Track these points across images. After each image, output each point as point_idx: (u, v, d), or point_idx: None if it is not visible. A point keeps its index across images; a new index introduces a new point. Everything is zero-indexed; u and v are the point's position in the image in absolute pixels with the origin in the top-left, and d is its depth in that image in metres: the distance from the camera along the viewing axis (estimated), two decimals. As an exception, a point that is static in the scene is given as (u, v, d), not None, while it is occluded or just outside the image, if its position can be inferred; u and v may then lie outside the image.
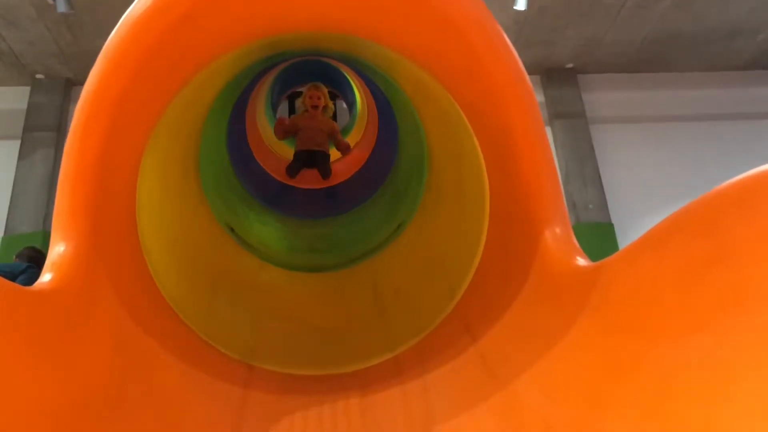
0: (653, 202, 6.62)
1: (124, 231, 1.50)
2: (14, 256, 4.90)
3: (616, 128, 7.17)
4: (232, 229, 2.44)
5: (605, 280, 1.16)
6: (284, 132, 3.41)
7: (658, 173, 6.90)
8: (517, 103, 1.32)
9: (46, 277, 1.18)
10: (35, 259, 4.67)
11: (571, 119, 6.95)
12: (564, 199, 1.39)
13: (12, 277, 4.48)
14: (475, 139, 1.59)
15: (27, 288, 1.11)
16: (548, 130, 6.99)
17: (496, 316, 1.49)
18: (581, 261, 1.29)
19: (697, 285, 0.91)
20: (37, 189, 7.19)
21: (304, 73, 5.52)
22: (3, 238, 7.01)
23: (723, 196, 0.91)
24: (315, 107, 3.49)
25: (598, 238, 6.38)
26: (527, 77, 1.32)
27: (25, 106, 7.59)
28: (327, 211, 3.28)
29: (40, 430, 1.00)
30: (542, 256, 1.37)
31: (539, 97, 7.18)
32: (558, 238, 1.34)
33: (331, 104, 3.68)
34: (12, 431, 0.93)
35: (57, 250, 1.22)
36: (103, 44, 1.23)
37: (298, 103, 3.87)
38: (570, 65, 7.19)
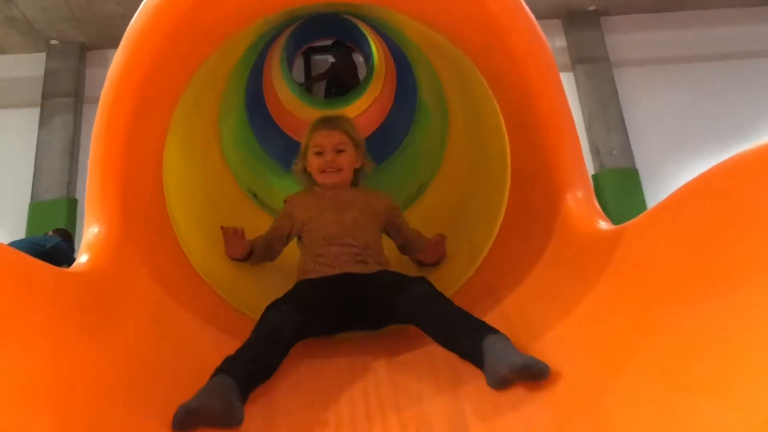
0: (679, 145, 6.52)
1: (154, 207, 1.55)
2: (51, 231, 5.23)
3: (641, 71, 6.99)
4: (255, 195, 2.47)
5: (626, 244, 1.18)
6: (242, 247, 1.93)
7: (685, 115, 6.74)
8: (537, 68, 1.32)
9: (83, 258, 1.23)
10: (64, 235, 5.06)
11: (593, 63, 6.80)
12: (585, 164, 1.39)
13: (41, 248, 4.74)
14: (495, 102, 1.59)
15: (67, 270, 1.17)
16: (570, 76, 6.84)
17: (519, 278, 1.52)
18: (603, 224, 1.31)
19: (714, 250, 0.93)
20: (59, 155, 7.27)
21: (319, 26, 5.46)
22: (30, 206, 7.15)
23: (742, 162, 0.92)
24: (332, 165, 1.95)
25: (623, 184, 6.32)
26: (547, 42, 1.31)
27: (41, 72, 7.62)
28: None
29: (89, 399, 1.06)
30: (564, 219, 1.39)
31: (560, 42, 7.02)
32: (579, 202, 1.35)
33: (362, 142, 2.04)
34: (64, 401, 0.99)
35: (91, 231, 1.27)
36: (114, 8, 1.24)
37: (298, 162, 2.05)
38: (592, 7, 7.00)
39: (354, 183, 2.07)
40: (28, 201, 7.28)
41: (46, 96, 7.39)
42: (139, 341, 1.28)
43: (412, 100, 3.04)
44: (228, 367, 1.29)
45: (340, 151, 1.97)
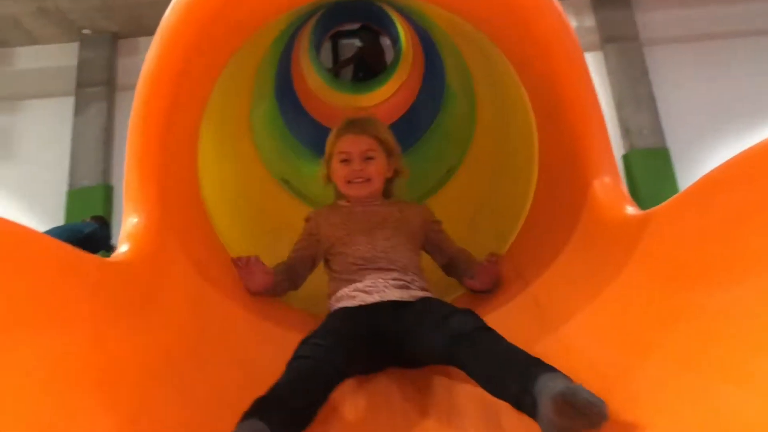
0: (712, 124, 6.38)
1: (190, 197, 1.59)
2: (89, 218, 5.43)
3: (672, 49, 6.83)
4: (287, 182, 2.52)
5: (653, 229, 1.19)
6: (263, 278, 1.65)
7: (718, 93, 6.58)
8: (564, 55, 1.33)
9: (123, 247, 1.28)
10: (100, 222, 5.22)
11: (623, 42, 6.66)
12: (612, 150, 1.40)
13: (79, 234, 4.94)
14: (522, 89, 1.60)
15: (109, 260, 1.22)
16: (599, 55, 6.71)
17: (547, 262, 1.54)
18: (630, 210, 1.31)
19: (740, 236, 0.94)
20: (95, 143, 7.42)
21: (347, 10, 5.46)
22: (68, 193, 7.32)
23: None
24: (360, 176, 1.76)
25: (654, 164, 6.21)
26: (572, 28, 1.32)
27: (75, 62, 7.76)
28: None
29: (134, 384, 1.11)
30: (591, 204, 1.40)
31: (589, 21, 6.88)
32: (607, 188, 1.36)
33: (395, 148, 1.83)
34: (112, 387, 1.04)
35: (130, 221, 1.32)
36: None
37: (321, 170, 1.86)
38: (622, -16, 6.86)
39: (386, 194, 1.85)
40: (65, 188, 7.46)
41: (80, 85, 7.54)
42: (181, 328, 1.33)
43: (440, 83, 3.04)
44: (261, 411, 1.12)
45: (368, 159, 1.75)
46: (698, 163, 6.00)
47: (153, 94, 1.30)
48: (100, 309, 1.11)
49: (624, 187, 1.39)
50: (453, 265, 1.81)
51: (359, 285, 1.60)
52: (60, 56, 7.85)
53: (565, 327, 1.33)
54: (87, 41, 7.55)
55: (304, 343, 1.34)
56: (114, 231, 6.04)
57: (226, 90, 1.81)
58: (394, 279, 1.60)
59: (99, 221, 5.46)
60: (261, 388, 1.32)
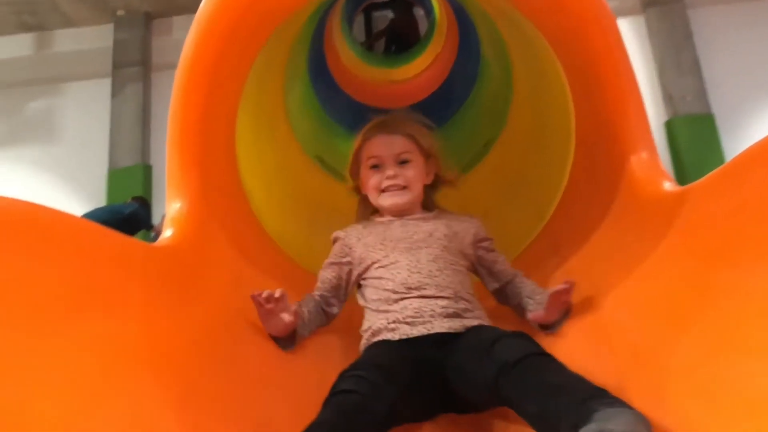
0: (759, 89, 6.16)
1: (229, 180, 1.63)
2: (130, 199, 5.60)
3: (718, 11, 6.57)
4: (322, 160, 2.54)
5: (690, 206, 1.18)
6: (284, 326, 1.37)
7: (765, 57, 6.33)
8: (599, 31, 1.32)
9: (167, 232, 1.33)
10: (141, 201, 5.35)
11: (666, 5, 6.45)
12: (649, 125, 1.39)
13: (121, 215, 5.11)
14: (558, 63, 1.58)
15: (154, 245, 1.27)
16: (641, 19, 6.52)
17: (584, 238, 1.54)
18: (667, 185, 1.31)
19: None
20: (132, 123, 7.56)
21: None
22: (108, 173, 7.50)
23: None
24: (395, 183, 1.54)
25: (698, 131, 6.05)
26: (607, 3, 1.30)
27: (110, 43, 7.88)
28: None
29: (182, 362, 1.16)
30: (628, 180, 1.40)
31: (631, -17, 6.67)
32: (644, 164, 1.36)
33: (433, 148, 1.60)
34: (162, 364, 1.09)
35: (174, 207, 1.37)
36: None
37: (348, 180, 1.70)
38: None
39: (427, 205, 1.62)
40: (106, 168, 7.64)
41: (116, 66, 7.66)
42: (223, 306, 1.38)
43: (476, 55, 3.01)
44: None
45: (403, 162, 1.53)
46: (745, 129, 5.83)
47: (191, 84, 1.33)
48: (149, 292, 1.16)
49: (661, 162, 1.37)
50: (508, 291, 1.54)
51: (400, 316, 1.38)
52: (95, 38, 7.98)
53: (603, 303, 1.33)
54: (121, 22, 7.66)
55: (344, 376, 1.17)
56: (154, 210, 6.20)
57: (261, 74, 1.83)
58: (443, 307, 1.38)
59: (139, 201, 5.62)
60: (297, 362, 1.37)
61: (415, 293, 1.40)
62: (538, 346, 1.16)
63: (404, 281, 1.42)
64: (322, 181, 2.42)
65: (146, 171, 7.29)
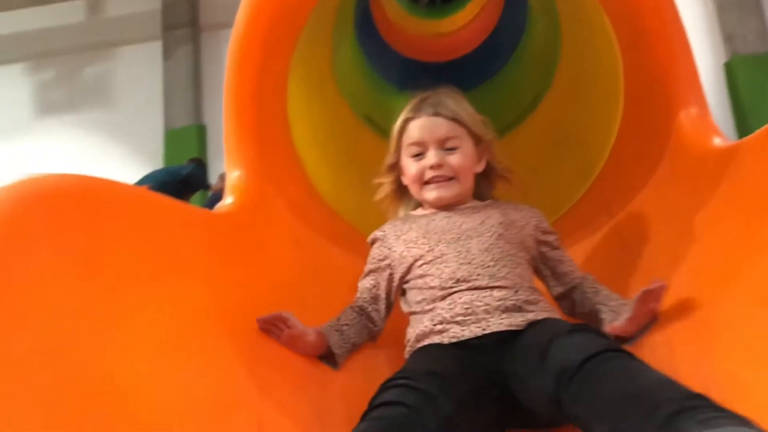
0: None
1: (283, 145, 1.70)
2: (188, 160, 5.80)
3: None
4: (371, 120, 2.58)
5: (740, 162, 1.19)
6: (309, 344, 1.24)
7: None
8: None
9: (228, 200, 1.41)
10: (198, 162, 5.57)
11: (725, -63, 6.13)
12: (700, 79, 1.37)
13: (178, 176, 5.31)
14: (605, 16, 1.57)
15: (217, 212, 1.35)
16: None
17: (633, 195, 1.55)
18: (717, 141, 1.30)
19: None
20: (185, 84, 7.72)
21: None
22: (165, 134, 7.72)
23: None
24: (441, 173, 1.36)
25: (758, 71, 5.81)
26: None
27: (159, 6, 8.00)
28: (460, 84, 3.29)
29: (247, 323, 1.24)
30: (678, 136, 1.39)
31: None
32: (693, 119, 1.35)
33: (484, 131, 1.42)
34: (229, 325, 1.18)
35: (233, 175, 1.44)
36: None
37: (385, 175, 1.51)
38: None
39: (479, 195, 1.45)
40: (162, 129, 7.85)
41: (166, 28, 7.79)
42: (283, 268, 1.46)
43: (523, 7, 2.95)
44: None
45: (450, 150, 1.35)
46: (808, 68, 5.57)
47: (244, 56, 1.39)
48: (216, 257, 1.25)
49: (711, 117, 1.36)
50: (576, 297, 1.33)
51: (447, 315, 1.19)
52: (145, 1, 8.10)
53: (648, 259, 1.36)
54: (169, -16, 7.75)
55: (387, 386, 1.01)
56: (210, 170, 6.38)
57: (308, 37, 1.86)
58: (499, 300, 1.19)
59: (196, 162, 5.80)
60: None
61: (464, 285, 1.21)
62: (604, 340, 0.99)
63: (452, 275, 1.23)
64: (372, 142, 2.45)
65: (200, 131, 7.47)
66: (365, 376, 1.23)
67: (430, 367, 1.07)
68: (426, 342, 1.20)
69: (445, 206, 1.38)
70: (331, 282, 1.57)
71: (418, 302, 1.28)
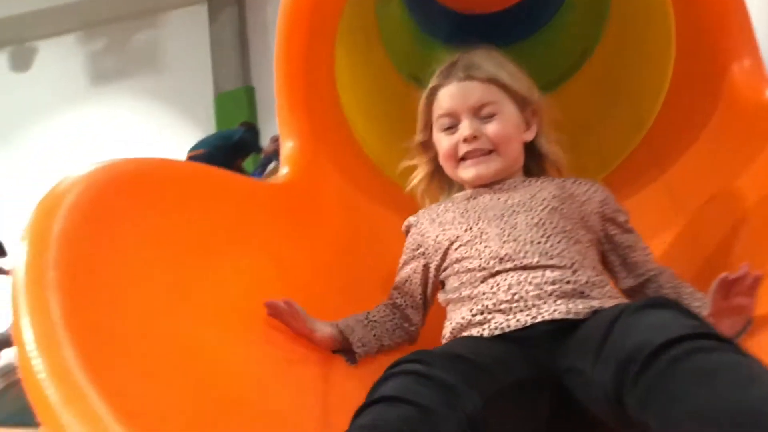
0: None
1: (333, 112, 1.74)
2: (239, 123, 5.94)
3: None
4: (418, 80, 2.58)
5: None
6: (320, 336, 1.10)
7: None
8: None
9: (284, 170, 1.47)
10: (249, 126, 5.72)
11: None
12: (753, 31, 1.35)
13: (230, 140, 5.45)
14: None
15: (274, 183, 1.42)
16: None
17: (684, 149, 1.54)
18: (770, 93, 1.29)
19: None
20: (232, 47, 7.80)
21: None
22: (215, 97, 7.85)
23: None
24: (477, 147, 1.17)
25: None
26: None
27: (203, -32, 8.04)
28: (507, 38, 3.24)
29: (306, 286, 1.31)
30: (730, 88, 1.38)
31: None
32: (746, 71, 1.34)
33: (529, 92, 1.23)
34: (290, 288, 1.25)
35: (287, 146, 1.50)
36: None
37: (417, 148, 1.36)
38: None
39: (530, 170, 1.25)
40: (211, 93, 7.98)
41: (210, -9, 7.84)
42: (338, 233, 1.52)
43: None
44: None
45: (487, 118, 1.15)
46: None
47: (293, 25, 1.44)
48: (275, 227, 1.32)
49: (765, 69, 1.34)
50: (650, 293, 1.12)
51: (489, 302, 1.00)
52: (189, -36, 8.15)
53: (698, 213, 1.37)
54: (213, -54, 7.77)
55: (391, 374, 0.78)
56: (260, 132, 6.48)
57: (355, 5, 1.89)
58: (554, 282, 0.99)
59: (247, 126, 5.92)
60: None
61: (509, 264, 1.02)
62: (693, 321, 0.74)
63: (495, 254, 1.05)
64: (418, 102, 2.47)
65: (249, 93, 7.58)
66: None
67: (457, 350, 0.87)
68: (466, 333, 1.01)
69: (487, 185, 1.19)
70: (385, 242, 1.63)
71: (456, 288, 1.09)
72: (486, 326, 0.99)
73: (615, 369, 0.73)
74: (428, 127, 1.27)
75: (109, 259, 0.85)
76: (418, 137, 1.32)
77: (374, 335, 1.15)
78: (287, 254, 1.31)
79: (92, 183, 0.90)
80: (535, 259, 1.03)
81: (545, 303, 0.97)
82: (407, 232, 1.30)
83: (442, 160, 1.24)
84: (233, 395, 0.87)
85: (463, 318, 1.03)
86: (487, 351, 0.89)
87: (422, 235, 1.22)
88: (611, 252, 1.18)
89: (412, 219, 1.30)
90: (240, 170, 5.71)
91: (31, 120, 9.01)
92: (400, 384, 0.76)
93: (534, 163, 1.26)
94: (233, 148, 5.47)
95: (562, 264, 1.02)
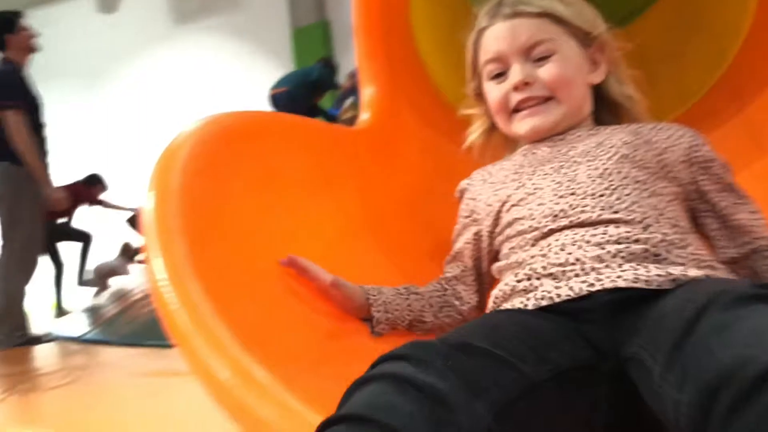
0: None
1: (409, 56, 1.80)
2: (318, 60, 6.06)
3: None
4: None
5: None
6: (336, 296, 1.00)
7: None
8: None
9: (364, 116, 1.56)
10: (327, 63, 5.76)
11: None
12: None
13: (309, 77, 5.57)
14: None
15: (357, 129, 1.52)
16: None
17: (765, 83, 1.52)
18: None
19: None
20: (307, -19, 7.78)
21: None
22: (291, 34, 7.94)
23: None
24: (530, 95, 1.01)
25: None
26: None
27: None
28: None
29: (391, 222, 1.42)
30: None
31: None
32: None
33: (594, 24, 1.05)
34: (377, 225, 1.36)
35: (367, 91, 1.58)
36: None
37: (471, 94, 1.19)
38: None
39: (601, 119, 1.08)
40: (288, 28, 8.06)
41: None
42: (418, 173, 1.62)
43: None
44: None
45: (541, 60, 1.00)
46: None
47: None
48: (357, 170, 1.42)
49: None
50: (758, 267, 0.91)
51: (538, 265, 0.84)
52: None
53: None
54: None
55: (375, 375, 0.59)
56: (338, 67, 6.55)
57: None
58: (617, 242, 0.81)
59: (324, 62, 6.00)
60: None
61: (564, 221, 0.87)
62: None
63: (548, 211, 0.90)
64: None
65: (325, 27, 7.61)
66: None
67: (474, 335, 0.67)
68: (506, 307, 0.85)
69: (548, 141, 1.03)
70: (458, 181, 1.72)
71: (506, 255, 0.95)
72: (531, 295, 0.82)
73: (698, 392, 0.52)
74: (477, 76, 1.12)
75: (222, 206, 0.98)
76: (469, 89, 1.17)
77: (408, 305, 1.01)
78: (372, 195, 1.42)
79: (202, 138, 1.03)
80: (595, 214, 0.86)
81: (607, 266, 0.79)
82: (461, 197, 1.16)
83: (493, 114, 1.09)
84: (334, 328, 1.00)
85: (506, 285, 0.88)
86: (522, 332, 0.69)
87: (474, 200, 1.10)
88: (707, 214, 0.97)
89: (464, 183, 1.17)
90: (317, 108, 5.82)
91: (118, 61, 9.44)
92: (373, 395, 0.56)
93: (605, 110, 1.09)
94: (311, 85, 5.58)
95: (630, 218, 0.84)
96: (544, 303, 0.80)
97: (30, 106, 3.95)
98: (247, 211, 1.01)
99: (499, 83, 1.05)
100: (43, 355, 3.74)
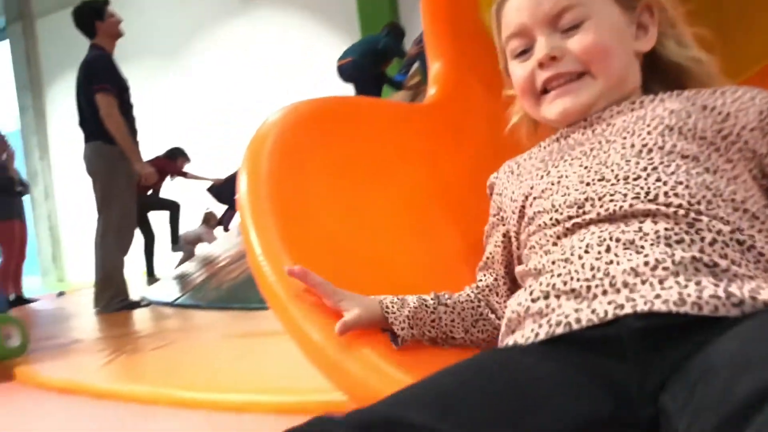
0: None
1: (474, 31, 1.84)
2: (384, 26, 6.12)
3: None
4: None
5: None
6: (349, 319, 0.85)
7: None
8: None
9: (432, 90, 1.64)
10: (393, 29, 5.86)
11: None
12: None
13: (375, 46, 5.61)
14: None
15: (424, 104, 1.60)
16: None
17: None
18: None
19: None
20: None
21: None
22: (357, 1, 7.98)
23: None
24: (558, 71, 0.84)
25: None
26: None
27: None
28: None
29: (458, 194, 1.50)
30: None
31: None
32: None
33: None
34: (443, 197, 1.45)
35: (434, 67, 1.66)
36: None
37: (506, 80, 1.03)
38: None
39: (650, 88, 0.89)
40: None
41: None
42: (484, 146, 1.67)
43: None
44: None
45: (571, 29, 0.84)
46: None
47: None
48: (426, 144, 1.51)
49: None
50: None
51: (557, 279, 0.68)
52: None
53: None
54: None
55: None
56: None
57: None
58: (654, 243, 0.65)
59: (390, 28, 6.02)
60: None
61: (591, 214, 0.72)
62: None
63: (572, 201, 0.75)
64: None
65: (389, -9, 7.60)
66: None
67: (440, 388, 0.57)
68: (509, 341, 0.70)
69: (581, 124, 0.87)
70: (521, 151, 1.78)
71: (526, 255, 0.82)
72: (545, 321, 0.65)
73: None
74: (503, 55, 0.97)
75: (303, 187, 1.10)
76: (501, 68, 1.03)
77: (433, 320, 0.88)
78: (442, 166, 1.51)
79: (285, 126, 1.15)
80: (627, 203, 0.69)
81: (643, 282, 0.61)
82: (491, 194, 1.03)
83: (519, 98, 0.96)
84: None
85: (519, 305, 0.71)
86: (507, 389, 0.56)
87: (500, 195, 0.96)
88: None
89: (492, 177, 1.04)
90: (384, 75, 5.86)
91: (193, 38, 9.75)
92: None
93: (660, 80, 0.90)
94: (378, 53, 5.62)
95: (672, 207, 0.67)
96: (559, 331, 0.63)
97: (119, 89, 4.23)
98: (325, 191, 1.13)
99: (524, 62, 0.90)
100: (140, 318, 4.07)
